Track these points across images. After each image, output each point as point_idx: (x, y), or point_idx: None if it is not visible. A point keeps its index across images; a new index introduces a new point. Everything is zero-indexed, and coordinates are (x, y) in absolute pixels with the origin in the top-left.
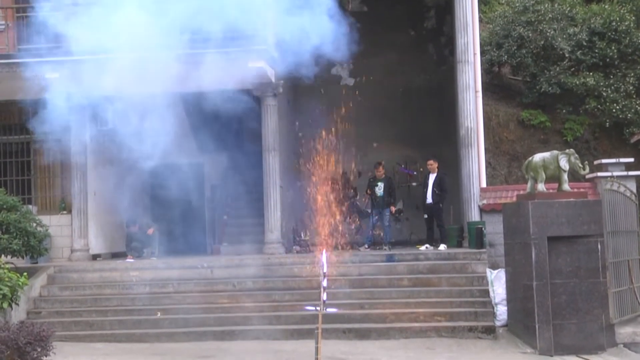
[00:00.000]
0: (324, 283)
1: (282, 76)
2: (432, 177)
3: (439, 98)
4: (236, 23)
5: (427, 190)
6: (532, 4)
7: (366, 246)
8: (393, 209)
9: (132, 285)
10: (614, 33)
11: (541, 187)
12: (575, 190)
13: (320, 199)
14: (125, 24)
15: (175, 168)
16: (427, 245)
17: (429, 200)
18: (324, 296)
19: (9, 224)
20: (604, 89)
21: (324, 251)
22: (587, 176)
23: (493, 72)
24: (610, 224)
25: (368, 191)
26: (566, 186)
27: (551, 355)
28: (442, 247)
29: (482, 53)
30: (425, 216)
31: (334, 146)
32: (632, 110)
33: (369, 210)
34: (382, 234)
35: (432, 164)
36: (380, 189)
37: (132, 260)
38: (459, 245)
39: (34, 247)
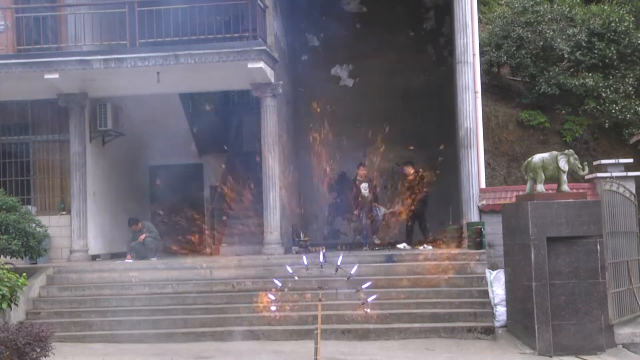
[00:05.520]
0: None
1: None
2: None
3: (438, 99)
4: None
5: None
6: (531, 5)
7: (366, 247)
8: (382, 209)
9: (132, 285)
10: (613, 34)
11: (540, 187)
12: (575, 190)
13: (320, 199)
14: None
15: (174, 168)
16: (405, 244)
17: None
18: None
19: (8, 225)
20: (603, 89)
21: (322, 251)
22: (586, 177)
23: (492, 72)
24: (609, 225)
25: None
26: (565, 187)
27: (550, 356)
28: (425, 247)
29: (482, 54)
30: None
31: (333, 147)
32: (632, 111)
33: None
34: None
35: (409, 170)
36: (365, 189)
37: (131, 260)
38: (459, 245)
39: (33, 247)
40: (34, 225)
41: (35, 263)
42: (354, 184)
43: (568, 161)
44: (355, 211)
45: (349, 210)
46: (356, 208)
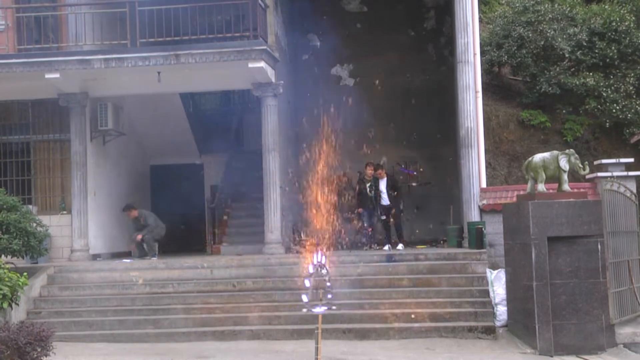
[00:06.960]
0: (328, 282)
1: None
2: (382, 183)
3: (439, 98)
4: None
5: (381, 194)
6: (532, 4)
7: (366, 247)
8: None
9: (132, 285)
10: (614, 33)
11: (541, 187)
12: (575, 190)
13: (320, 199)
14: None
15: (175, 168)
16: (388, 245)
17: (386, 202)
18: (328, 295)
19: (9, 224)
20: (604, 89)
21: (319, 251)
22: (587, 176)
23: (493, 72)
24: (610, 224)
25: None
26: (566, 186)
27: (551, 356)
28: (400, 246)
29: (482, 53)
30: (383, 217)
31: (334, 147)
32: (632, 111)
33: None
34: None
35: (381, 173)
36: (369, 189)
37: (130, 260)
38: (459, 245)
39: (34, 247)
40: (34, 224)
41: (36, 262)
42: (359, 183)
43: (569, 161)
44: (359, 209)
45: (351, 210)
46: (359, 207)
